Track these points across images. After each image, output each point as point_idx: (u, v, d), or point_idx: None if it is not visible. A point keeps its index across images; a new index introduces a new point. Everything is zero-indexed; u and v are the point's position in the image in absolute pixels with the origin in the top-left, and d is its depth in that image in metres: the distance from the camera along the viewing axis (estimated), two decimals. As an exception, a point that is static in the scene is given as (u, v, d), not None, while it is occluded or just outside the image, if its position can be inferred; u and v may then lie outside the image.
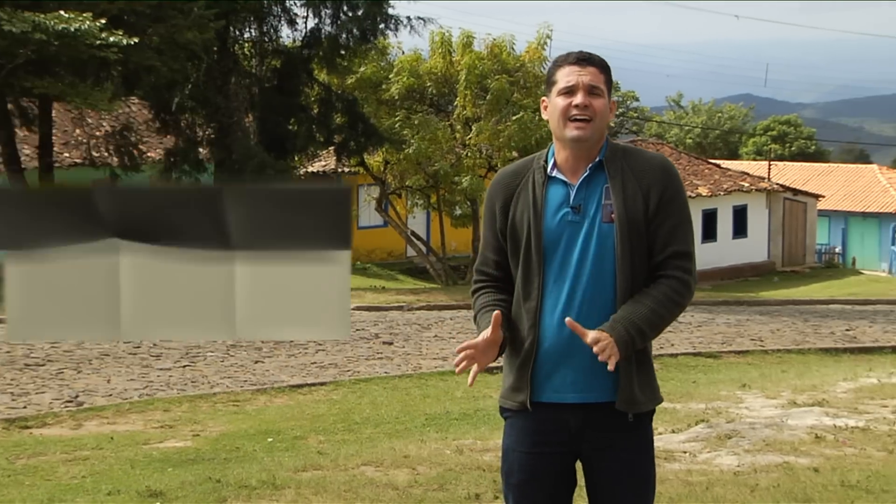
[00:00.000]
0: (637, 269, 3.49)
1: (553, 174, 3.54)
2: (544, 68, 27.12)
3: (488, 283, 3.65)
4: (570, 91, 3.49)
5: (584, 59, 3.54)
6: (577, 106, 3.46)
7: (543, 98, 3.63)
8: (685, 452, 7.31)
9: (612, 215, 3.46)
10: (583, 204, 3.50)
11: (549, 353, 3.51)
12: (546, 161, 3.57)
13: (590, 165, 3.53)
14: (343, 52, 23.76)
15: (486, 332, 3.45)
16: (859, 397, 9.85)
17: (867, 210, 43.77)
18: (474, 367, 3.46)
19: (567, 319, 3.40)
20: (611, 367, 3.35)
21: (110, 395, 11.00)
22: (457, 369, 3.47)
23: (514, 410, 3.60)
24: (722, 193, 37.08)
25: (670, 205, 3.51)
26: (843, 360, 14.35)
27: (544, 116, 3.62)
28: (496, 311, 3.48)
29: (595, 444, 3.55)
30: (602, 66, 3.56)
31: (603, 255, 3.47)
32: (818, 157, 68.95)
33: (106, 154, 25.29)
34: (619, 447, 3.56)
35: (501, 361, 3.66)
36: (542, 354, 3.52)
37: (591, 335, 3.37)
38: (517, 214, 3.53)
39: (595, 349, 3.35)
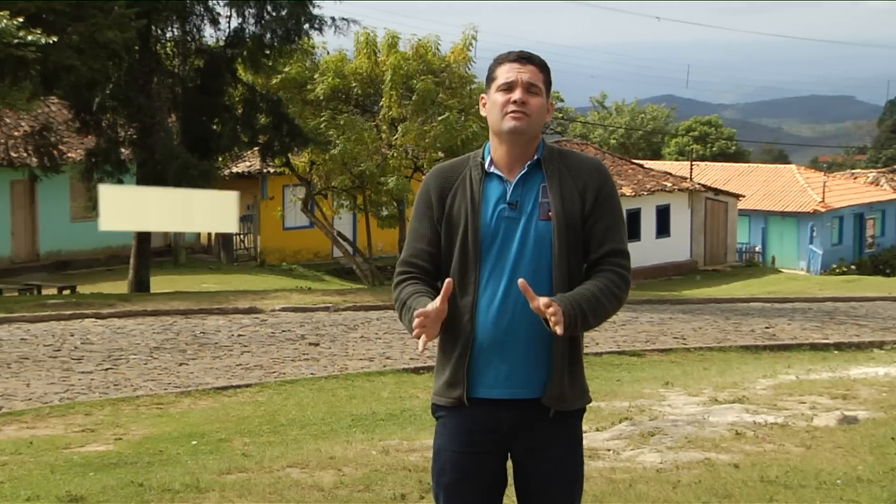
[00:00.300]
0: (573, 266, 3.58)
1: (490, 170, 3.61)
2: (470, 69, 27.24)
3: (416, 274, 3.65)
4: (508, 87, 3.58)
5: (524, 58, 3.63)
6: (514, 102, 3.55)
7: (483, 95, 3.70)
8: (609, 450, 7.39)
9: (550, 213, 3.54)
10: (520, 201, 3.57)
11: (485, 347, 3.56)
12: (483, 158, 3.63)
13: (528, 163, 3.61)
14: (267, 52, 23.58)
15: (437, 302, 3.46)
16: (778, 394, 10.02)
17: (786, 209, 44.57)
18: (423, 337, 3.46)
19: (520, 281, 3.43)
20: (561, 331, 3.38)
21: (30, 399, 10.82)
22: (415, 333, 3.46)
23: (448, 408, 3.62)
24: (645, 193, 37.53)
25: (605, 205, 3.60)
26: (762, 358, 14.59)
27: (483, 113, 3.70)
28: (448, 279, 3.50)
29: (527, 444, 3.60)
30: (542, 66, 3.65)
31: (540, 251, 3.55)
32: (738, 157, 70.01)
33: (25, 155, 24.85)
34: (550, 446, 3.62)
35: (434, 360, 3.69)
36: (478, 349, 3.56)
37: (542, 300, 3.40)
38: (454, 208, 3.58)
39: (549, 312, 3.37)
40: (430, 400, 3.74)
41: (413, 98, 25.31)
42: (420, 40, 26.98)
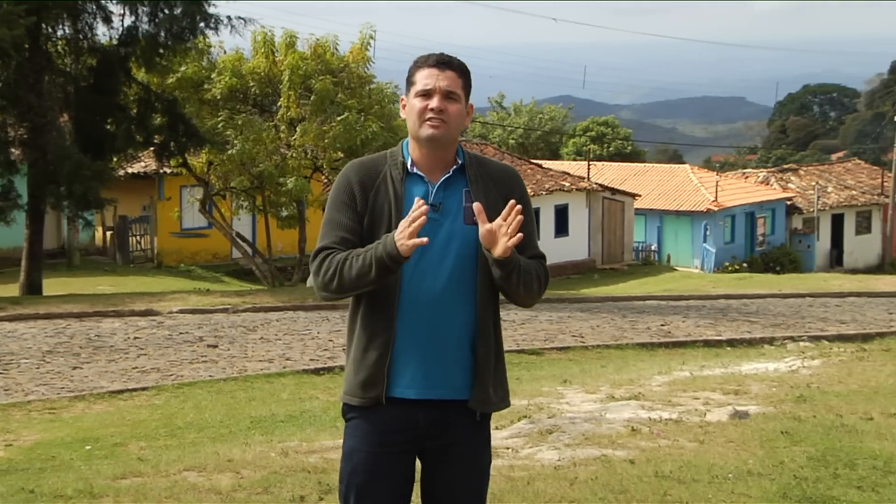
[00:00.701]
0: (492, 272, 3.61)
1: (413, 171, 3.62)
2: (368, 69, 27.15)
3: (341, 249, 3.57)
4: (426, 94, 3.58)
5: (443, 63, 3.63)
6: (432, 109, 3.56)
7: (403, 97, 3.71)
8: (508, 448, 7.45)
9: (474, 218, 3.54)
10: (443, 203, 3.59)
11: (406, 347, 3.55)
12: (403, 157, 3.64)
13: (453, 168, 3.64)
14: (161, 51, 23.21)
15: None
16: (673, 390, 10.21)
17: (681, 209, 45.37)
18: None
19: (475, 204, 3.48)
20: (505, 252, 3.45)
21: (-83, 406, 10.52)
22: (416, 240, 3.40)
23: (362, 408, 3.59)
24: (544, 193, 37.88)
25: (523, 212, 3.61)
26: (658, 355, 14.85)
27: (402, 115, 3.70)
28: (419, 199, 3.47)
29: (440, 442, 3.62)
30: (461, 70, 3.66)
31: (465, 255, 3.58)
32: (634, 157, 71.04)
33: None
34: (463, 445, 3.65)
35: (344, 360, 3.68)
36: (399, 349, 3.55)
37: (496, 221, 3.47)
38: (377, 204, 3.57)
39: (501, 231, 3.44)
40: (341, 400, 3.70)
41: (312, 98, 25.15)
42: (318, 40, 26.83)
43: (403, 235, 3.38)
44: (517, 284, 3.57)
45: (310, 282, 27.25)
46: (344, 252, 3.52)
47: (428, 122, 3.56)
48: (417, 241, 3.38)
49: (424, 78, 3.60)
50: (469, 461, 3.68)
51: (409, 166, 3.62)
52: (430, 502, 3.71)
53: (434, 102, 3.56)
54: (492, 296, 3.64)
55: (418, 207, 3.39)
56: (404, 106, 3.68)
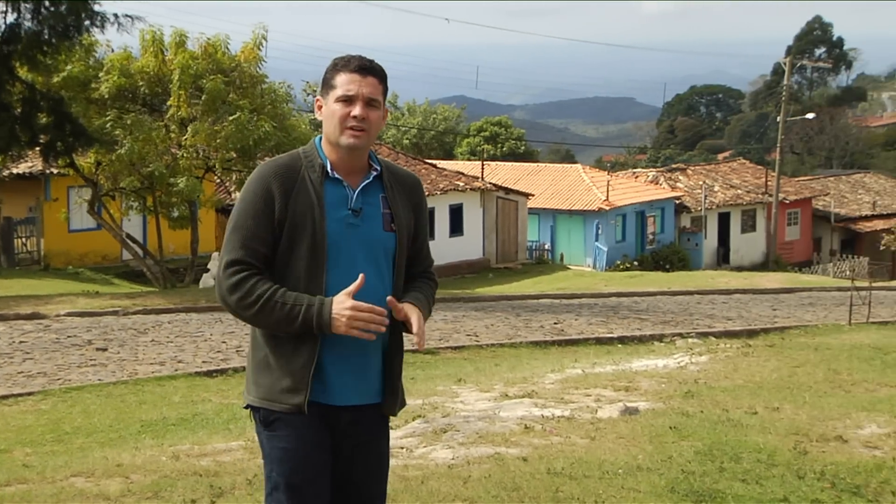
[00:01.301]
0: (404, 273, 3.71)
1: (333, 175, 3.58)
2: (260, 68, 26.92)
3: (259, 272, 3.51)
4: (348, 100, 3.54)
5: (365, 69, 3.58)
6: (355, 117, 3.53)
7: (318, 98, 3.64)
8: (402, 448, 7.45)
9: (392, 225, 3.61)
10: (363, 209, 3.59)
11: (331, 354, 3.55)
12: (322, 159, 3.58)
13: (373, 174, 3.65)
14: (46, 49, 22.65)
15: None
16: (565, 388, 10.33)
17: (573, 208, 45.90)
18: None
19: (389, 298, 3.53)
20: (422, 346, 3.59)
21: None
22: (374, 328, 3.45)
23: (282, 413, 3.55)
24: (438, 193, 38.00)
25: (425, 220, 3.79)
26: (551, 353, 15.00)
27: (318, 117, 3.64)
28: (361, 274, 3.47)
29: (356, 441, 3.67)
30: (382, 76, 3.64)
31: (384, 260, 3.61)
32: (528, 157, 71.75)
33: None
34: (375, 442, 3.74)
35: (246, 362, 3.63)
36: (325, 356, 3.54)
37: (415, 322, 3.57)
38: (299, 209, 3.50)
39: (418, 333, 3.57)
40: (255, 405, 3.61)
41: (203, 98, 24.86)
42: (209, 39, 26.51)
43: (345, 319, 3.41)
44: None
45: (203, 283, 26.93)
46: (265, 280, 3.46)
47: (350, 131, 3.54)
48: (357, 334, 3.44)
49: (346, 83, 3.56)
50: (379, 457, 3.77)
51: (329, 170, 3.58)
52: (341, 494, 3.72)
53: (357, 110, 3.53)
54: (399, 297, 3.69)
55: (379, 314, 3.43)
56: (320, 107, 3.63)
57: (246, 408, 3.69)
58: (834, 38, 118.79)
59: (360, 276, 3.44)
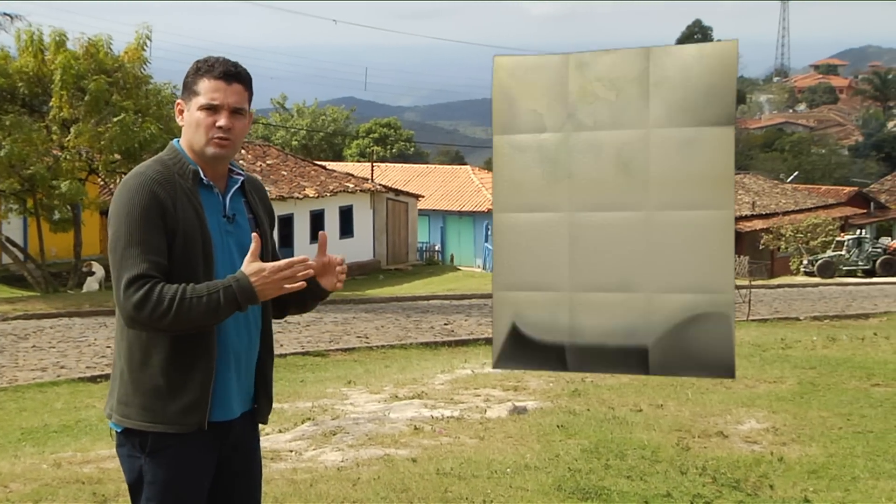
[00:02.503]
0: None
1: (206, 181, 3.47)
2: (144, 69, 26.50)
3: (161, 281, 3.29)
4: (213, 109, 3.41)
5: (230, 75, 3.43)
6: (220, 128, 3.41)
7: (180, 101, 3.48)
8: (291, 451, 7.42)
9: (258, 229, 3.54)
10: (235, 215, 3.53)
11: (225, 366, 3.45)
12: (192, 166, 3.44)
13: (239, 180, 3.57)
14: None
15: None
16: (455, 388, 10.39)
17: (463, 209, 46.14)
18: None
19: (322, 233, 3.55)
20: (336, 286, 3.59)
21: None
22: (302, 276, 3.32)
23: (180, 435, 3.36)
24: (328, 194, 37.83)
25: (274, 224, 3.76)
26: (441, 353, 15.08)
27: (179, 121, 3.49)
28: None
29: (240, 449, 3.60)
30: (247, 81, 3.50)
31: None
32: (418, 158, 71.93)
33: None
34: (254, 448, 3.69)
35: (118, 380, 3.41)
36: (222, 369, 3.43)
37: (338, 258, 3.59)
38: (186, 221, 3.34)
39: (340, 269, 3.58)
40: (140, 429, 3.36)
41: (86, 99, 24.36)
42: (91, 39, 26.00)
43: (270, 283, 3.28)
44: (312, 306, 3.72)
45: (86, 287, 26.37)
46: (169, 284, 3.26)
47: (215, 141, 3.41)
48: (291, 288, 3.32)
49: (211, 91, 3.40)
50: (257, 462, 3.70)
51: (202, 176, 3.45)
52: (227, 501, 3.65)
53: (222, 120, 3.40)
54: (271, 308, 3.65)
55: (301, 262, 3.31)
56: (181, 111, 3.47)
57: (120, 431, 3.44)
58: (714, 42, 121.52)
59: (254, 235, 3.33)
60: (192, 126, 3.43)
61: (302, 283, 3.32)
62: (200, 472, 3.44)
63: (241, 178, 3.58)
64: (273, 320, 3.72)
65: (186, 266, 3.34)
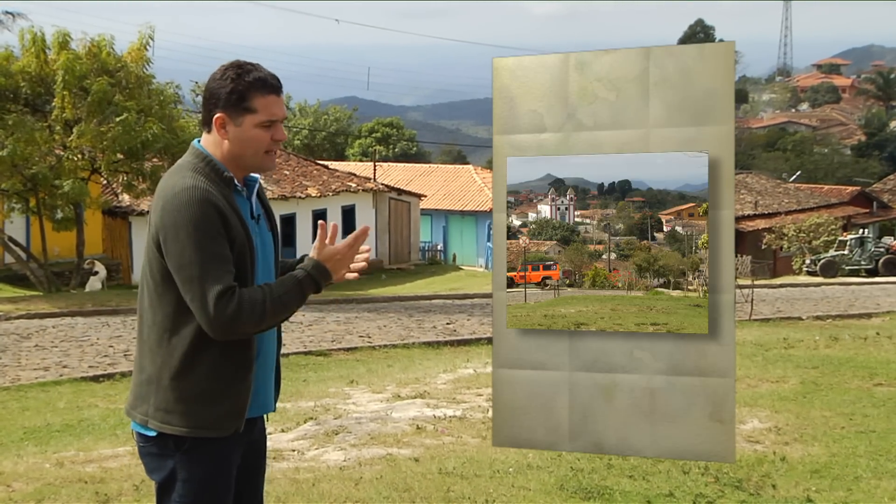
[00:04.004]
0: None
1: (238, 188, 3.48)
2: (147, 69, 26.48)
3: (238, 287, 3.33)
4: (272, 125, 3.41)
5: (279, 87, 3.44)
6: (277, 141, 3.44)
7: (222, 115, 3.38)
8: (294, 451, 7.44)
9: (269, 225, 3.61)
10: (260, 215, 3.57)
11: (260, 369, 3.50)
12: (226, 172, 3.41)
13: (258, 179, 3.58)
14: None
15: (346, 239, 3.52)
16: (457, 388, 10.40)
17: (465, 208, 46.12)
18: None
19: (333, 224, 3.55)
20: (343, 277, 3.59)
21: None
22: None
23: (217, 439, 3.38)
24: (331, 194, 37.82)
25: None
26: (443, 353, 15.07)
27: (219, 135, 3.41)
28: (365, 226, 3.58)
29: (254, 444, 3.63)
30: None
31: (271, 260, 3.60)
32: (420, 157, 71.88)
33: None
34: (265, 444, 3.74)
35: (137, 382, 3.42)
36: (259, 370, 3.48)
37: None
38: (236, 230, 3.34)
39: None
40: (180, 434, 3.35)
41: (88, 99, 24.36)
42: (93, 39, 25.99)
43: (342, 263, 3.48)
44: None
45: (89, 286, 26.38)
46: (251, 290, 3.29)
47: (272, 154, 3.45)
48: (357, 267, 3.53)
49: (269, 107, 3.39)
50: (264, 457, 3.75)
51: (236, 182, 3.44)
52: (240, 497, 3.64)
53: (280, 134, 3.43)
54: None
55: (363, 233, 3.48)
56: (223, 125, 3.39)
57: (154, 435, 3.42)
58: (716, 41, 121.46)
59: (321, 223, 3.45)
60: (249, 142, 3.41)
61: (365, 264, 3.58)
62: (232, 468, 3.48)
63: (258, 178, 3.60)
64: None
65: (242, 273, 3.36)
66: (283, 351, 13.96)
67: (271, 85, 3.40)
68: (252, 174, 3.56)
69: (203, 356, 3.34)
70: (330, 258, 3.44)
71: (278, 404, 3.77)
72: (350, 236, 3.43)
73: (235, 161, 3.44)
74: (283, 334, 3.75)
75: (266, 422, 3.73)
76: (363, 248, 3.63)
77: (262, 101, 3.37)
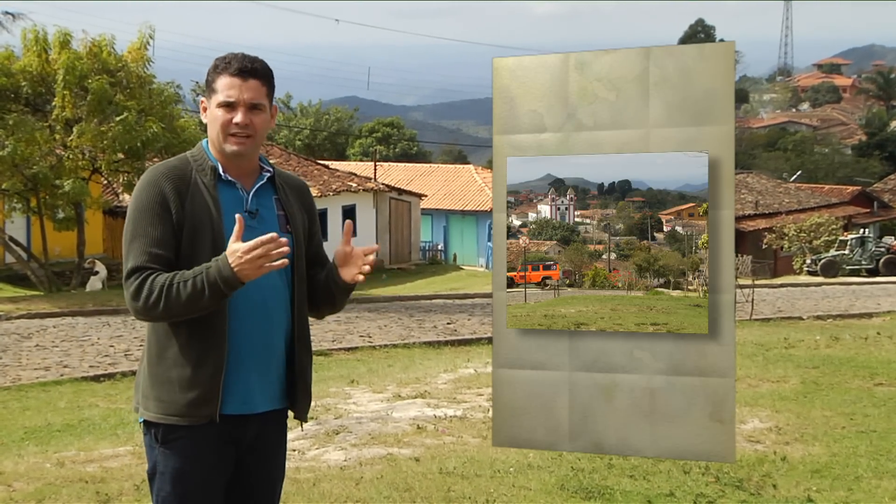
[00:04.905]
0: (305, 274, 3.63)
1: (226, 177, 3.49)
2: (148, 69, 26.48)
3: (159, 272, 3.33)
4: (230, 106, 3.44)
5: (246, 71, 3.45)
6: (237, 124, 3.44)
7: (203, 99, 3.53)
8: (295, 451, 7.44)
9: (288, 226, 3.57)
10: (259, 211, 3.53)
11: (241, 360, 3.46)
12: (213, 162, 3.49)
13: (266, 175, 3.59)
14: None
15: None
16: (458, 387, 10.40)
17: (465, 208, 46.12)
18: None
19: (347, 223, 3.54)
20: (356, 278, 3.56)
21: None
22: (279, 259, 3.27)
23: (189, 427, 3.40)
24: (331, 194, 37.83)
25: (316, 223, 3.76)
26: (444, 353, 15.07)
27: (203, 119, 3.54)
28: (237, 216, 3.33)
29: (262, 453, 3.60)
30: (265, 75, 3.52)
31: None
32: (421, 157, 71.85)
33: None
34: (278, 449, 3.69)
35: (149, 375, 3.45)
36: (234, 362, 3.44)
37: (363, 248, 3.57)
38: (195, 213, 3.38)
39: (368, 259, 3.56)
40: (154, 420, 3.42)
41: (88, 98, 24.37)
42: (94, 39, 25.99)
43: (246, 263, 3.24)
44: (341, 303, 3.70)
45: (90, 286, 26.38)
46: (164, 273, 3.31)
47: (233, 138, 3.44)
48: (270, 266, 3.27)
49: (227, 88, 3.43)
50: (279, 464, 3.71)
51: (221, 172, 3.48)
52: (244, 500, 3.64)
53: (238, 117, 3.43)
54: (305, 303, 3.64)
55: (271, 240, 3.25)
56: (205, 109, 3.51)
57: (142, 422, 3.52)
58: (716, 41, 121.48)
59: (237, 216, 3.30)
60: (213, 122, 3.48)
61: (283, 262, 3.29)
62: (212, 463, 3.46)
63: (269, 174, 3.60)
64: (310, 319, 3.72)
65: (194, 259, 3.36)
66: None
67: (236, 68, 3.45)
68: (266, 169, 3.61)
69: (171, 343, 3.41)
70: (231, 253, 3.27)
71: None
72: (257, 239, 3.25)
73: (213, 145, 3.53)
74: (308, 335, 3.68)
75: (285, 428, 3.71)
76: (366, 248, 3.59)
77: (222, 83, 3.44)
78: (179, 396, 3.39)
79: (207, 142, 3.57)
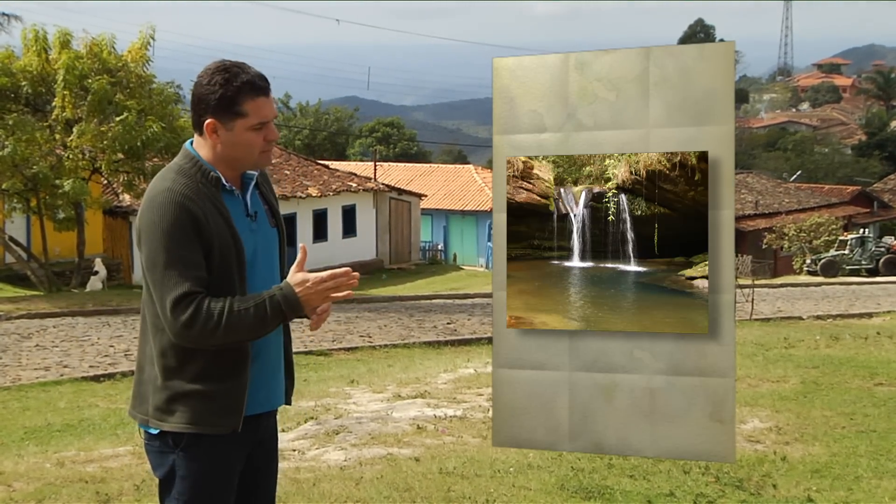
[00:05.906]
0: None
1: (228, 186, 3.44)
2: (148, 68, 26.47)
3: (205, 296, 3.28)
4: (263, 126, 3.39)
5: (267, 87, 3.41)
6: (271, 141, 3.43)
7: (213, 120, 3.35)
8: (294, 450, 7.44)
9: (273, 220, 3.57)
10: (257, 212, 3.53)
11: (261, 366, 3.48)
12: (213, 172, 3.39)
13: (256, 176, 3.55)
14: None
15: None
16: (458, 387, 10.40)
17: (465, 208, 46.13)
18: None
19: (302, 246, 3.40)
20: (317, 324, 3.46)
21: None
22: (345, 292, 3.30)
23: (215, 436, 3.38)
24: (331, 194, 37.84)
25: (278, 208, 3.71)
26: (444, 353, 15.08)
27: (211, 140, 3.38)
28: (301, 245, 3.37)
29: (264, 443, 3.62)
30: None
31: (275, 260, 3.58)
32: (421, 157, 71.86)
33: None
34: (274, 443, 3.72)
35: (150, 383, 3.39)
36: (255, 369, 3.45)
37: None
38: (219, 232, 3.32)
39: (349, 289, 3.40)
40: (176, 430, 3.36)
41: (88, 98, 24.37)
42: (94, 39, 25.99)
43: (315, 294, 3.27)
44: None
45: (90, 286, 26.38)
46: (215, 299, 3.25)
47: (265, 154, 3.44)
48: (336, 297, 3.31)
49: (260, 110, 3.36)
50: (275, 458, 3.75)
51: (224, 182, 3.41)
52: (251, 498, 3.65)
53: (273, 134, 3.42)
54: None
55: (345, 274, 3.27)
56: (214, 130, 3.36)
57: (156, 433, 3.43)
58: (716, 41, 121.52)
59: (302, 246, 3.36)
60: (243, 146, 3.39)
61: (349, 293, 3.32)
62: (232, 466, 3.46)
63: (256, 175, 3.56)
64: None
65: (225, 276, 3.33)
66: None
67: (260, 87, 3.37)
68: (255, 171, 3.55)
69: (196, 354, 3.33)
70: (300, 284, 3.29)
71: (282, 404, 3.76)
72: (327, 272, 3.29)
73: (229, 163, 3.43)
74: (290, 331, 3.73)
75: (276, 421, 3.74)
76: (344, 270, 3.41)
77: (253, 105, 3.35)
78: (205, 409, 3.35)
79: (193, 147, 3.45)
